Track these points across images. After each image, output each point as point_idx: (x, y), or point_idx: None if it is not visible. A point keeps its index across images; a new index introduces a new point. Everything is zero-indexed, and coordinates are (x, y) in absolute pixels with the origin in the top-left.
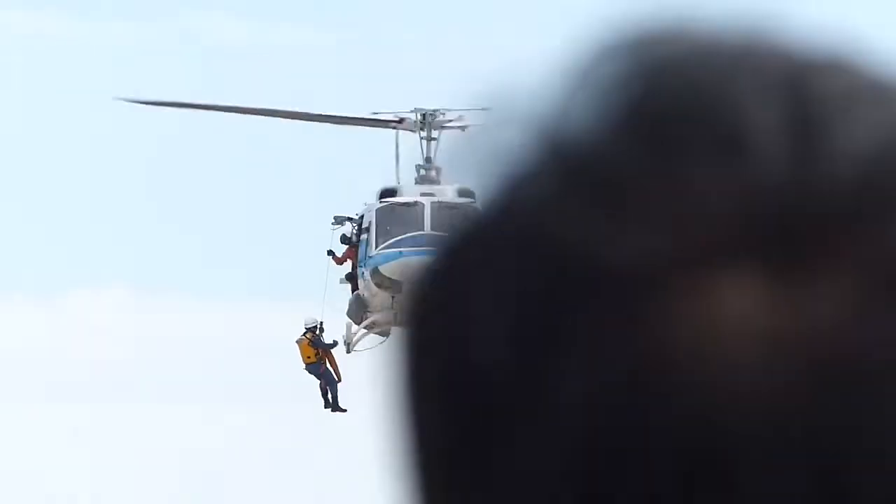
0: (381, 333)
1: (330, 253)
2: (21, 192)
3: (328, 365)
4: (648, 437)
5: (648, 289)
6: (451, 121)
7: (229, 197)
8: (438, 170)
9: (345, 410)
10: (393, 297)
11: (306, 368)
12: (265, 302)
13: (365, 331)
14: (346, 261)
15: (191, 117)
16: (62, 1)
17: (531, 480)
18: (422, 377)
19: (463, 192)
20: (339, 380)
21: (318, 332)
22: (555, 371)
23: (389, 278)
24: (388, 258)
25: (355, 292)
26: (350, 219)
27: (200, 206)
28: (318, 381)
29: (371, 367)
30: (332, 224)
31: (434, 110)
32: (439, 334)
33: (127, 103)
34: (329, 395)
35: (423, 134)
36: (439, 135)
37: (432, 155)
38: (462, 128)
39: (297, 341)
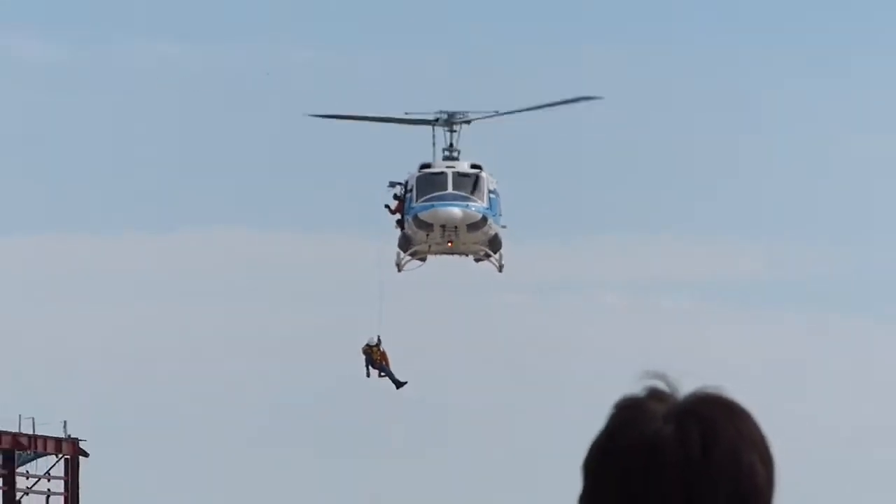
0: (419, 259)
1: (386, 206)
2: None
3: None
4: None
5: None
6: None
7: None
8: (458, 151)
9: (405, 382)
10: (427, 234)
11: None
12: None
13: (409, 257)
14: (397, 212)
15: None
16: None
17: None
18: None
19: (473, 166)
20: (388, 364)
21: (377, 345)
22: None
23: (425, 222)
24: (424, 208)
25: (402, 231)
26: (399, 183)
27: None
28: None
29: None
30: (388, 186)
31: (454, 112)
32: None
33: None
34: (391, 378)
35: (447, 129)
36: (459, 128)
37: (453, 142)
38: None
39: (362, 350)
